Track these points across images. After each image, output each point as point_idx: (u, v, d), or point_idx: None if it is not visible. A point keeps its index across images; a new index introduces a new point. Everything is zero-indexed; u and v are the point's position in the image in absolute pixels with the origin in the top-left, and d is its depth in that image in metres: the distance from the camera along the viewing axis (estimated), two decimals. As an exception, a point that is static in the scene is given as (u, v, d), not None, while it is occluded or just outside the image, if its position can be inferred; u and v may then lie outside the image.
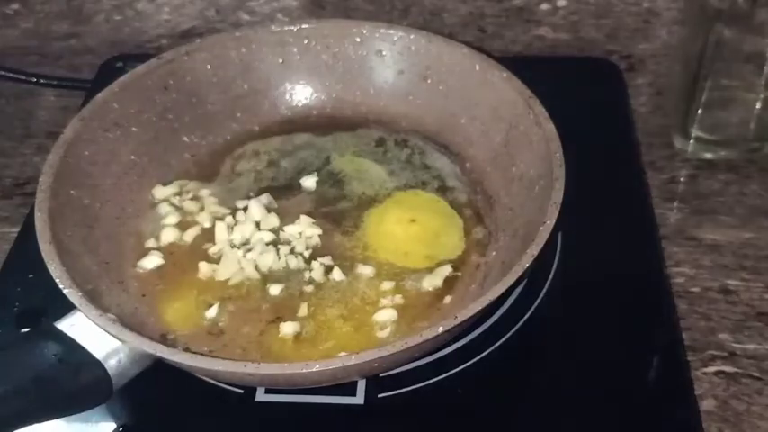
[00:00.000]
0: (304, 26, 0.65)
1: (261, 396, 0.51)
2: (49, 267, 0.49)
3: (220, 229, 0.58)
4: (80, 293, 0.47)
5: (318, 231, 0.58)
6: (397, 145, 0.64)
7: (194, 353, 0.50)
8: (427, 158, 0.63)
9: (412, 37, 0.64)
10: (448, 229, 0.58)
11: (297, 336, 0.52)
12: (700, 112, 0.65)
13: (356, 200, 0.61)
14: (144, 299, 0.55)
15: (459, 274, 0.56)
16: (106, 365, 0.47)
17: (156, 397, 0.51)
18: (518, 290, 0.55)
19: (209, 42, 0.64)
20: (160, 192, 0.60)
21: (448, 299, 0.54)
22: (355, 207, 0.60)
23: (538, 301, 0.56)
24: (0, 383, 0.45)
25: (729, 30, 0.61)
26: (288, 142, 0.64)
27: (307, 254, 0.57)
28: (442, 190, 0.61)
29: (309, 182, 0.61)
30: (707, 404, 0.52)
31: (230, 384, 0.52)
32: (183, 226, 0.59)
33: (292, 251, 0.57)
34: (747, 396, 0.52)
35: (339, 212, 0.60)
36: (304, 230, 0.58)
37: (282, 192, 0.61)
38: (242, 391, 0.52)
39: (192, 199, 0.60)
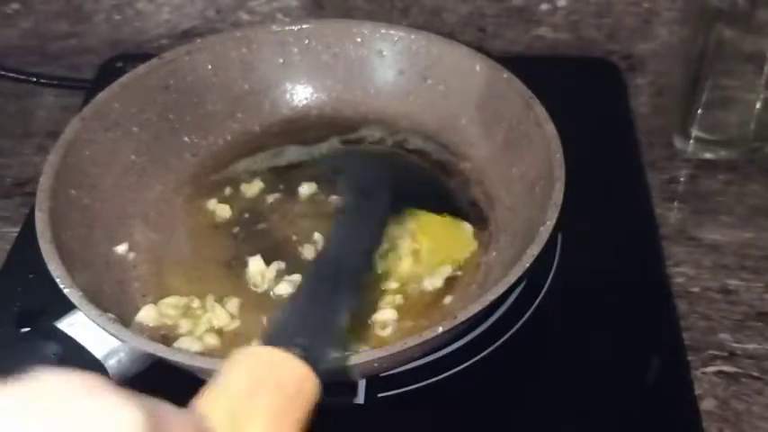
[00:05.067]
0: (304, 26, 0.65)
1: (261, 396, 0.51)
2: (49, 267, 0.49)
3: None
4: (80, 293, 0.47)
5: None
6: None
7: (194, 353, 0.50)
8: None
9: (412, 37, 0.64)
10: (456, 245, 0.58)
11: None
12: (700, 112, 0.65)
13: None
14: (144, 299, 0.55)
15: (460, 274, 0.56)
16: (106, 365, 0.47)
17: (156, 396, 0.51)
18: (518, 290, 0.55)
19: (209, 42, 0.64)
20: None
21: (448, 299, 0.54)
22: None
23: (538, 300, 0.56)
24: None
25: (729, 30, 0.61)
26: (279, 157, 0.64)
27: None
28: (442, 190, 0.61)
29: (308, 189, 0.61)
30: (707, 404, 0.52)
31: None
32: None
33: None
34: (747, 396, 0.52)
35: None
36: None
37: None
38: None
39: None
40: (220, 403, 0.28)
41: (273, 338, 0.31)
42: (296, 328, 0.32)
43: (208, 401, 0.28)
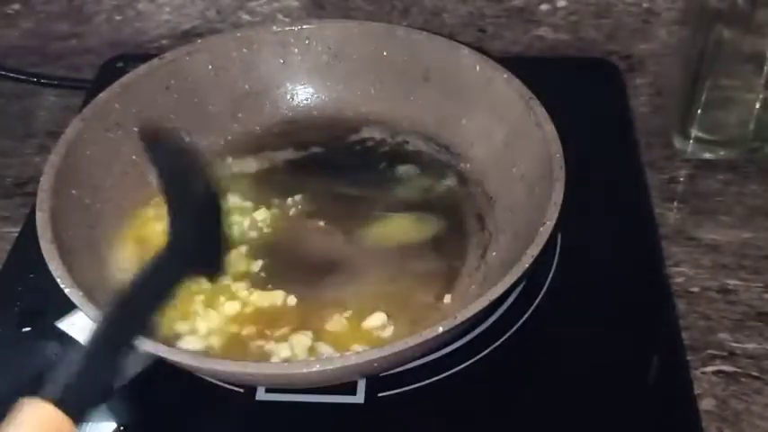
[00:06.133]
0: (305, 26, 0.65)
1: (261, 395, 0.52)
2: (49, 267, 0.49)
3: None
4: (81, 293, 0.47)
5: None
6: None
7: (195, 352, 0.51)
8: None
9: (413, 37, 0.64)
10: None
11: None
12: (699, 112, 0.65)
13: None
14: (145, 298, 0.55)
15: (460, 274, 0.56)
16: (107, 365, 0.47)
17: (156, 396, 0.51)
18: (518, 290, 0.55)
19: (210, 43, 0.65)
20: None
21: (448, 299, 0.54)
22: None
23: (538, 300, 0.56)
24: (0, 383, 0.45)
25: (729, 30, 0.61)
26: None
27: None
28: (442, 190, 0.61)
29: None
30: (706, 404, 0.52)
31: (231, 384, 0.52)
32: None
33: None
34: (747, 396, 0.52)
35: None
36: None
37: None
38: (242, 390, 0.52)
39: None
40: None
41: (48, 391, 0.36)
42: (71, 383, 0.38)
43: None
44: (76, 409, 0.37)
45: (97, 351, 0.40)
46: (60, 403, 0.36)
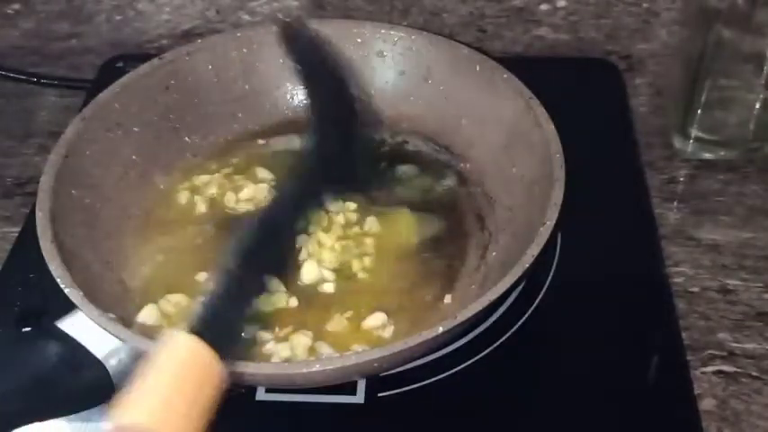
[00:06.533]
0: (305, 26, 0.65)
1: (261, 395, 0.52)
2: (49, 267, 0.49)
3: None
4: (81, 293, 0.47)
5: None
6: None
7: (195, 352, 0.51)
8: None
9: (413, 38, 0.64)
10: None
11: (298, 335, 0.52)
12: (699, 112, 0.65)
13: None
14: (145, 298, 0.55)
15: (460, 274, 0.56)
16: (107, 365, 0.47)
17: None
18: (518, 290, 0.55)
19: (210, 42, 0.65)
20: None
21: (448, 299, 0.54)
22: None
23: (538, 300, 0.56)
24: (0, 383, 0.45)
25: (729, 30, 0.61)
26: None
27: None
28: (442, 190, 0.61)
29: None
30: (706, 404, 0.52)
31: (231, 384, 0.52)
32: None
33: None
34: (747, 395, 0.52)
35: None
36: None
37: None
38: (242, 390, 0.52)
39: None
40: (146, 398, 0.33)
41: (194, 328, 0.37)
42: (210, 319, 0.39)
43: (133, 401, 0.33)
44: (218, 341, 0.38)
45: (235, 279, 0.42)
46: (204, 335, 0.37)
